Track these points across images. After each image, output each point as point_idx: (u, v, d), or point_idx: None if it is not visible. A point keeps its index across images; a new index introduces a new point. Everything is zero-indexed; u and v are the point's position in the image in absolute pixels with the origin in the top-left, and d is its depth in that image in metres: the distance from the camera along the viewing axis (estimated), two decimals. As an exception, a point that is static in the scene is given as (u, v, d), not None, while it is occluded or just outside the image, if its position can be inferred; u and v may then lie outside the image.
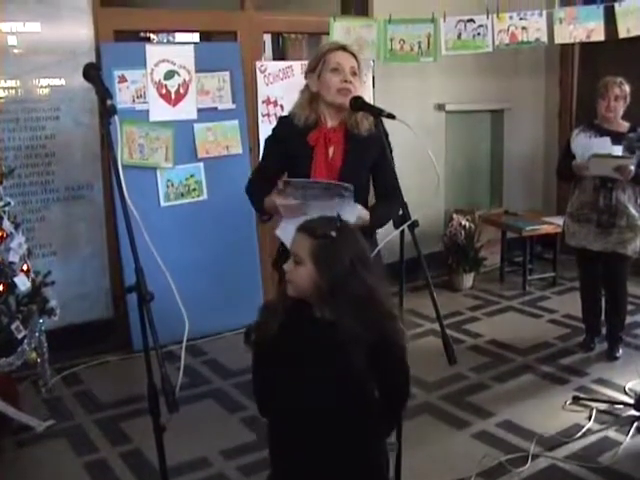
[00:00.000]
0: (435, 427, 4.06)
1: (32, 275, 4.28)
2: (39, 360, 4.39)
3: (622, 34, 5.68)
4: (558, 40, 5.95)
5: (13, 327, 4.04)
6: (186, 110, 5.28)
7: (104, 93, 2.23)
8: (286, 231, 2.88)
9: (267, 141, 3.26)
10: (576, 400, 4.27)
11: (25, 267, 4.21)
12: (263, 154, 3.30)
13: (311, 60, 3.16)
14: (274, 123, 3.33)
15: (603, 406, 4.17)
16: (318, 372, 2.15)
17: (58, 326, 4.65)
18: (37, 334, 4.27)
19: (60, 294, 4.63)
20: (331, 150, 3.08)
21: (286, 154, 3.11)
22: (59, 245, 5.09)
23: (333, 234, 2.14)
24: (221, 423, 4.14)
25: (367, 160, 3.12)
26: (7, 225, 4.12)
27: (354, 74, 3.04)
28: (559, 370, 4.78)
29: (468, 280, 6.64)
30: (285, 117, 3.23)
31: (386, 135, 2.92)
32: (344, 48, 3.09)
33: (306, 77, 3.15)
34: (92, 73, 2.32)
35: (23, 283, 4.12)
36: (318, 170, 3.04)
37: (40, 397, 4.44)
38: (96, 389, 4.63)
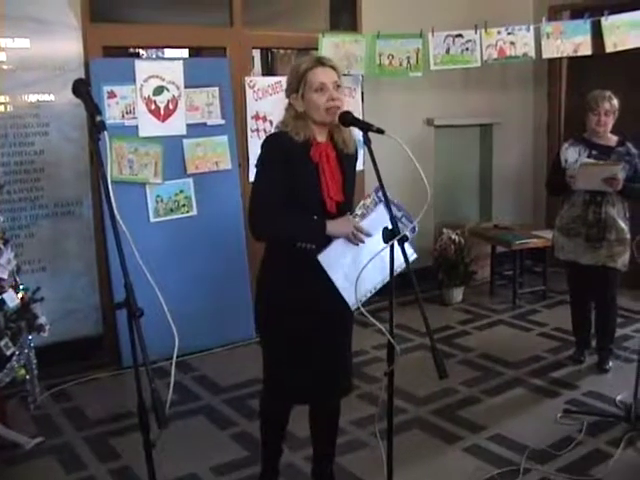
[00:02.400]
0: (426, 442, 4.05)
1: (21, 291, 4.26)
2: (28, 377, 4.36)
3: (609, 48, 5.74)
4: (546, 55, 6.01)
5: (2, 344, 4.01)
6: (175, 126, 5.28)
7: (93, 109, 2.24)
8: (329, 257, 2.91)
9: (269, 164, 2.95)
10: (567, 413, 4.27)
11: (14, 283, 4.19)
12: (267, 180, 2.94)
13: (290, 79, 3.02)
14: (263, 138, 3.07)
15: (594, 419, 4.17)
16: None
17: (47, 342, 4.62)
18: (26, 351, 4.24)
19: (49, 310, 4.60)
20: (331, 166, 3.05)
21: (290, 171, 2.91)
22: (48, 261, 5.08)
23: None
24: (211, 439, 4.12)
25: (354, 175, 3.14)
26: (-5, 241, 4.10)
27: (338, 87, 2.96)
28: (550, 383, 4.79)
29: (458, 294, 6.65)
30: (280, 133, 3.01)
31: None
32: (322, 63, 2.97)
33: (288, 96, 3.03)
34: (81, 89, 2.32)
35: (12, 299, 4.09)
36: (331, 187, 2.97)
37: (29, 414, 4.41)
38: (85, 406, 4.60)
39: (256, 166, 3.01)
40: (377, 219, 2.87)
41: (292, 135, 2.94)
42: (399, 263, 2.70)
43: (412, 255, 2.90)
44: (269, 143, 3.00)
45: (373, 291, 2.92)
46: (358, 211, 2.99)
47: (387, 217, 2.73)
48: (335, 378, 3.18)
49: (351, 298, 2.87)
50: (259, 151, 3.01)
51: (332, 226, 2.91)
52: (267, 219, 2.93)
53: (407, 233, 2.86)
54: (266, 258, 3.13)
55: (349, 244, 2.92)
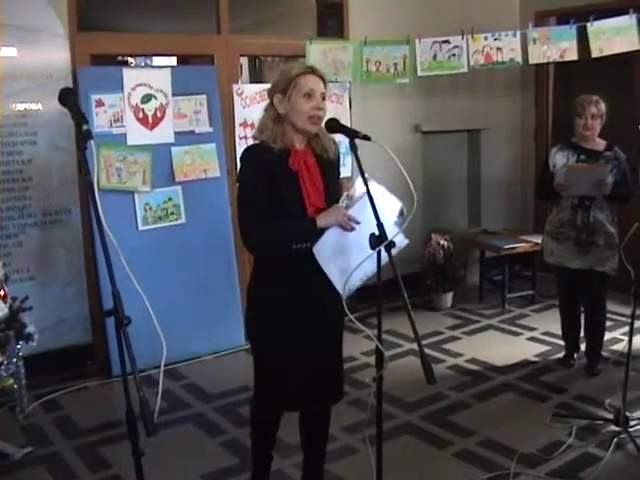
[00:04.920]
0: (416, 447, 4.05)
1: (9, 300, 4.24)
2: (16, 386, 4.34)
3: (595, 54, 5.77)
4: (532, 60, 6.04)
5: (-10, 353, 4.00)
6: (163, 133, 5.28)
7: (80, 118, 2.23)
8: (322, 250, 2.91)
9: (249, 177, 2.96)
10: (556, 417, 4.28)
11: (2, 292, 4.17)
12: (251, 193, 2.93)
13: (278, 80, 3.02)
14: (241, 151, 3.07)
15: (583, 422, 4.19)
16: None
17: (36, 352, 4.60)
18: (14, 360, 4.23)
19: (38, 319, 4.58)
20: (311, 173, 3.05)
21: (271, 182, 2.91)
22: (37, 270, 5.06)
23: None
24: (201, 447, 4.12)
25: (337, 181, 3.15)
26: (-17, 251, 4.09)
27: (324, 98, 2.98)
28: (539, 387, 4.80)
29: (447, 299, 6.66)
30: (257, 145, 3.03)
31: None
32: (314, 71, 3.00)
33: (272, 96, 3.03)
34: (68, 98, 2.32)
35: (0, 309, 4.08)
36: (312, 195, 2.97)
37: (18, 424, 4.37)
38: (75, 415, 4.58)
39: (237, 180, 3.01)
40: (363, 206, 2.85)
41: (270, 144, 2.95)
42: (384, 256, 2.70)
43: (404, 241, 2.91)
44: (248, 155, 3.01)
45: (364, 279, 2.90)
46: (342, 203, 2.99)
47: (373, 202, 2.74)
48: (326, 384, 3.18)
49: (343, 289, 2.86)
50: (239, 163, 3.02)
51: (322, 218, 2.91)
52: (259, 232, 2.93)
53: (396, 217, 2.89)
54: (256, 265, 3.13)
55: (340, 234, 2.91)
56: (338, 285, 2.89)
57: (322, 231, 2.91)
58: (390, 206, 2.90)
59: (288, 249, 2.94)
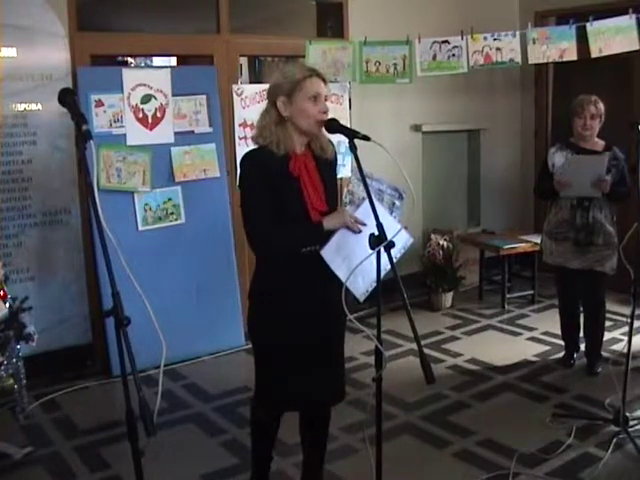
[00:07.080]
0: (416, 447, 4.06)
1: (9, 300, 4.24)
2: (16, 387, 4.34)
3: (594, 54, 5.76)
4: (532, 60, 6.02)
5: (-10, 354, 4.01)
6: (163, 134, 5.28)
7: (79, 118, 2.23)
8: (331, 253, 2.90)
9: (252, 183, 2.95)
10: (556, 417, 4.29)
11: (2, 293, 4.18)
12: (257, 200, 2.92)
13: (282, 83, 2.98)
14: (251, 146, 3.08)
15: (583, 422, 4.19)
16: None
17: (36, 352, 4.61)
18: (14, 360, 4.23)
19: (38, 319, 4.59)
20: (312, 176, 3.05)
21: (272, 187, 2.91)
22: (37, 270, 5.06)
23: None
24: (201, 447, 4.12)
25: (335, 181, 3.15)
26: (-17, 251, 4.09)
27: (326, 100, 2.98)
28: (539, 387, 4.80)
29: (447, 299, 6.66)
30: (258, 150, 3.01)
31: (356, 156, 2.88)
32: (317, 74, 2.99)
33: (274, 99, 3.00)
34: (67, 98, 2.32)
35: (0, 309, 4.09)
36: (313, 198, 2.97)
37: (18, 424, 4.39)
38: (75, 415, 4.58)
39: (239, 186, 2.99)
40: (367, 208, 2.83)
41: (272, 148, 2.93)
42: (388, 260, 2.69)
43: (409, 240, 2.90)
44: (248, 161, 2.99)
45: (375, 283, 2.89)
46: (346, 199, 2.99)
47: (378, 205, 2.73)
48: (327, 385, 3.18)
49: (357, 289, 2.86)
50: (239, 169, 3.00)
51: (328, 221, 2.92)
52: (269, 238, 2.93)
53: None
54: (259, 266, 3.12)
55: (348, 235, 2.91)
56: (350, 286, 2.87)
57: (329, 234, 2.92)
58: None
59: (298, 252, 2.94)
